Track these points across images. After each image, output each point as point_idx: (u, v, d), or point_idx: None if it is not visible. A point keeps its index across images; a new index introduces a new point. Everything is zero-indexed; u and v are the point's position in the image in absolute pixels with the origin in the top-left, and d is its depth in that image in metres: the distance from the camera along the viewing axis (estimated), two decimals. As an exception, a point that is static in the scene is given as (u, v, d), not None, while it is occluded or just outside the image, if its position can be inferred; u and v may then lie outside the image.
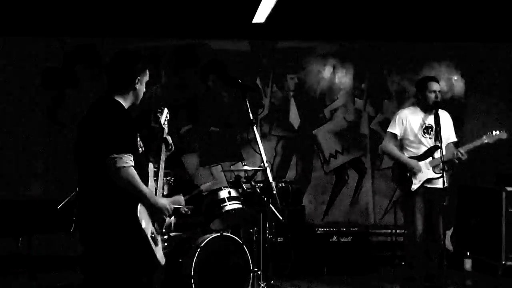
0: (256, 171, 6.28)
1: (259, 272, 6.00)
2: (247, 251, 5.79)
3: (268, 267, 6.11)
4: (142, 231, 3.62)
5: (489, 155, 7.98)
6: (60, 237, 7.19)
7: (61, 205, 6.12)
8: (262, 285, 6.03)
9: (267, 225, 6.12)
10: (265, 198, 5.92)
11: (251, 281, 5.78)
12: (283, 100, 9.09)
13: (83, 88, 8.67)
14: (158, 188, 4.08)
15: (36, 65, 8.65)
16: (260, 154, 4.34)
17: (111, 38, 8.63)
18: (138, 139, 3.92)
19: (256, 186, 6.26)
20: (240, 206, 6.06)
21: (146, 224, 3.69)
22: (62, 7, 7.26)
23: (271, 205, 5.98)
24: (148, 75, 4.03)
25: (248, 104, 4.11)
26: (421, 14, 7.65)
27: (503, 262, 7.47)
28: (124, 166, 3.61)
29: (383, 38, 8.92)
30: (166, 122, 4.47)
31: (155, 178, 4.10)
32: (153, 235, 3.74)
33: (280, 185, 7.87)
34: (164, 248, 4.01)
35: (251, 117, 4.28)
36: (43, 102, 8.69)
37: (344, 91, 9.14)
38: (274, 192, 5.07)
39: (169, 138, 4.45)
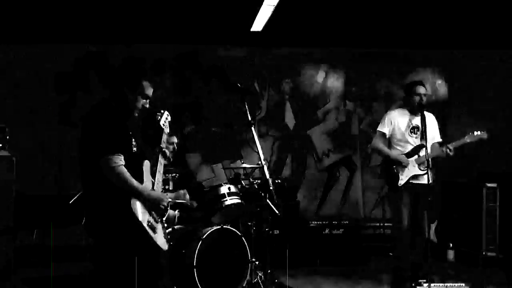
0: (254, 168, 6.27)
1: (256, 263, 5.98)
2: (245, 243, 5.77)
3: (265, 257, 6.09)
4: (136, 220, 3.70)
5: (471, 154, 7.98)
6: (72, 229, 7.16)
7: (72, 200, 6.09)
8: (259, 274, 6.00)
9: (264, 219, 6.09)
10: (263, 194, 5.89)
11: (249, 270, 5.76)
12: (279, 103, 9.07)
13: (93, 91, 8.66)
14: (156, 182, 4.11)
15: (50, 70, 8.63)
16: (258, 153, 4.31)
17: (119, 45, 8.63)
18: (133, 139, 3.97)
19: (254, 182, 6.25)
20: (239, 201, 6.04)
21: (142, 214, 3.77)
22: (76, 17, 7.24)
23: (268, 200, 5.94)
24: (149, 89, 4.06)
25: (246, 106, 4.09)
26: (408, 24, 7.65)
27: (484, 253, 7.46)
28: (115, 166, 3.71)
29: (372, 46, 8.92)
30: (166, 124, 4.49)
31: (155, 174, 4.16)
32: (149, 224, 3.80)
33: (277, 181, 7.87)
34: (167, 235, 4.04)
35: (250, 119, 4.26)
36: (56, 104, 8.68)
37: (336, 94, 9.13)
38: (271, 188, 5.05)
39: (167, 151, 4.51)
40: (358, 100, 9.15)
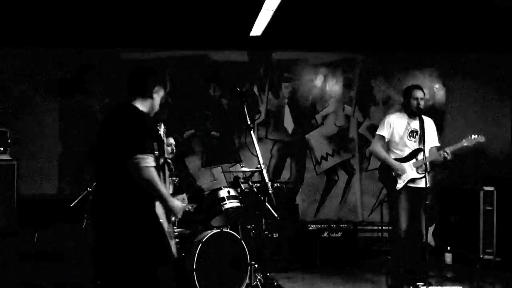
0: (253, 172, 6.28)
1: (256, 265, 5.99)
2: (245, 246, 5.78)
3: (264, 260, 6.09)
4: (161, 226, 3.65)
5: (468, 158, 8.01)
6: (73, 231, 7.15)
7: (74, 203, 6.08)
8: (259, 277, 6.01)
9: (264, 222, 6.09)
10: (262, 197, 5.88)
11: (249, 273, 5.77)
12: (278, 107, 9.07)
13: (90, 95, 8.72)
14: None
15: (49, 74, 8.65)
16: (257, 157, 4.31)
17: (119, 50, 8.67)
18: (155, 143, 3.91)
19: (254, 186, 6.25)
20: (238, 204, 6.05)
21: (163, 220, 3.72)
22: (75, 23, 7.25)
23: (267, 204, 5.95)
24: (163, 91, 4.06)
25: (246, 110, 4.08)
26: (405, 27, 7.66)
27: (481, 256, 7.47)
28: (147, 166, 3.60)
29: (370, 49, 8.93)
30: (164, 135, 4.47)
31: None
32: (169, 230, 3.75)
33: (276, 185, 7.88)
34: (176, 244, 3.99)
35: (249, 122, 4.26)
36: (56, 107, 8.71)
37: (334, 98, 9.13)
38: (270, 191, 5.04)
39: (170, 161, 4.40)
40: (357, 104, 9.15)
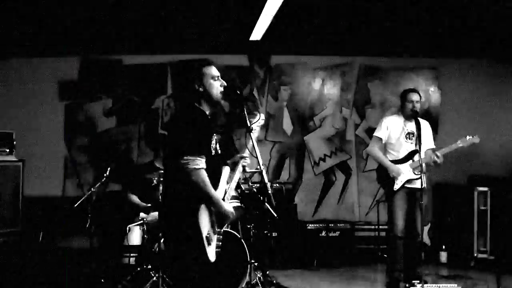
0: (253, 173, 6.30)
1: (255, 264, 5.99)
2: (245, 245, 5.78)
3: (264, 259, 6.10)
4: (199, 231, 3.54)
5: (462, 159, 8.01)
6: (77, 231, 7.16)
7: (77, 203, 6.08)
8: (258, 275, 6.01)
9: (263, 222, 6.11)
10: (261, 197, 5.92)
11: (248, 271, 5.77)
12: (277, 109, 9.08)
13: (95, 98, 8.75)
14: (228, 191, 3.93)
15: (54, 78, 8.68)
16: (257, 158, 4.31)
17: (122, 54, 8.69)
18: (213, 142, 3.82)
19: (253, 186, 6.27)
20: (239, 204, 6.05)
21: (205, 224, 3.60)
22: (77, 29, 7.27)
23: (266, 204, 5.97)
24: (210, 74, 3.92)
25: (245, 113, 4.09)
26: (401, 32, 7.67)
27: (475, 255, 7.49)
28: (196, 168, 3.52)
29: (367, 54, 8.94)
30: (257, 128, 4.22)
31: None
32: (208, 235, 3.62)
33: (275, 185, 7.89)
34: (217, 247, 3.80)
35: (249, 125, 4.26)
36: (61, 109, 8.75)
37: (332, 101, 9.14)
38: (270, 192, 5.04)
39: (248, 161, 4.19)
40: (354, 107, 9.16)
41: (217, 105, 3.97)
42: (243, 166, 4.10)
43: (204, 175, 3.55)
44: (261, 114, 4.27)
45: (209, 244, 3.63)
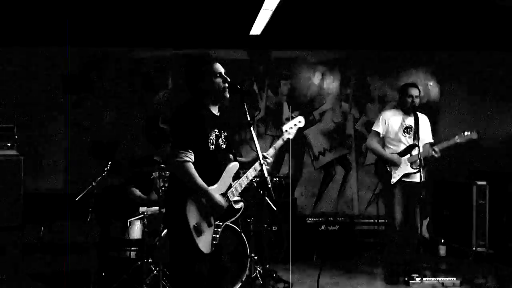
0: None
1: (256, 258, 6.00)
2: (245, 238, 5.78)
3: (264, 253, 6.10)
4: (185, 221, 3.65)
5: (461, 153, 8.00)
6: (78, 225, 7.16)
7: (78, 197, 6.08)
8: (258, 269, 6.02)
9: (263, 215, 6.10)
10: (261, 191, 5.91)
11: (248, 265, 5.77)
12: (277, 104, 9.08)
13: (96, 92, 8.73)
14: (234, 186, 4.00)
15: (56, 71, 8.66)
16: (257, 152, 4.31)
17: (120, 48, 8.69)
18: (214, 137, 3.84)
19: (253, 180, 6.24)
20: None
21: (192, 214, 3.69)
22: (82, 21, 7.26)
23: (266, 198, 5.96)
24: (214, 71, 3.94)
25: (246, 107, 4.09)
26: (401, 26, 7.66)
27: (474, 248, 7.49)
28: (179, 161, 3.64)
29: (366, 48, 8.93)
30: (291, 131, 4.45)
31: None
32: (196, 225, 3.69)
33: (275, 179, 7.87)
34: (213, 239, 3.83)
35: (249, 119, 4.26)
36: (63, 103, 8.74)
37: (332, 95, 9.13)
38: (269, 186, 5.04)
39: (269, 160, 4.26)
40: (353, 101, 9.16)
41: (221, 102, 4.00)
42: (261, 165, 4.06)
43: (188, 167, 3.65)
44: (299, 116, 4.44)
45: (198, 234, 3.70)
